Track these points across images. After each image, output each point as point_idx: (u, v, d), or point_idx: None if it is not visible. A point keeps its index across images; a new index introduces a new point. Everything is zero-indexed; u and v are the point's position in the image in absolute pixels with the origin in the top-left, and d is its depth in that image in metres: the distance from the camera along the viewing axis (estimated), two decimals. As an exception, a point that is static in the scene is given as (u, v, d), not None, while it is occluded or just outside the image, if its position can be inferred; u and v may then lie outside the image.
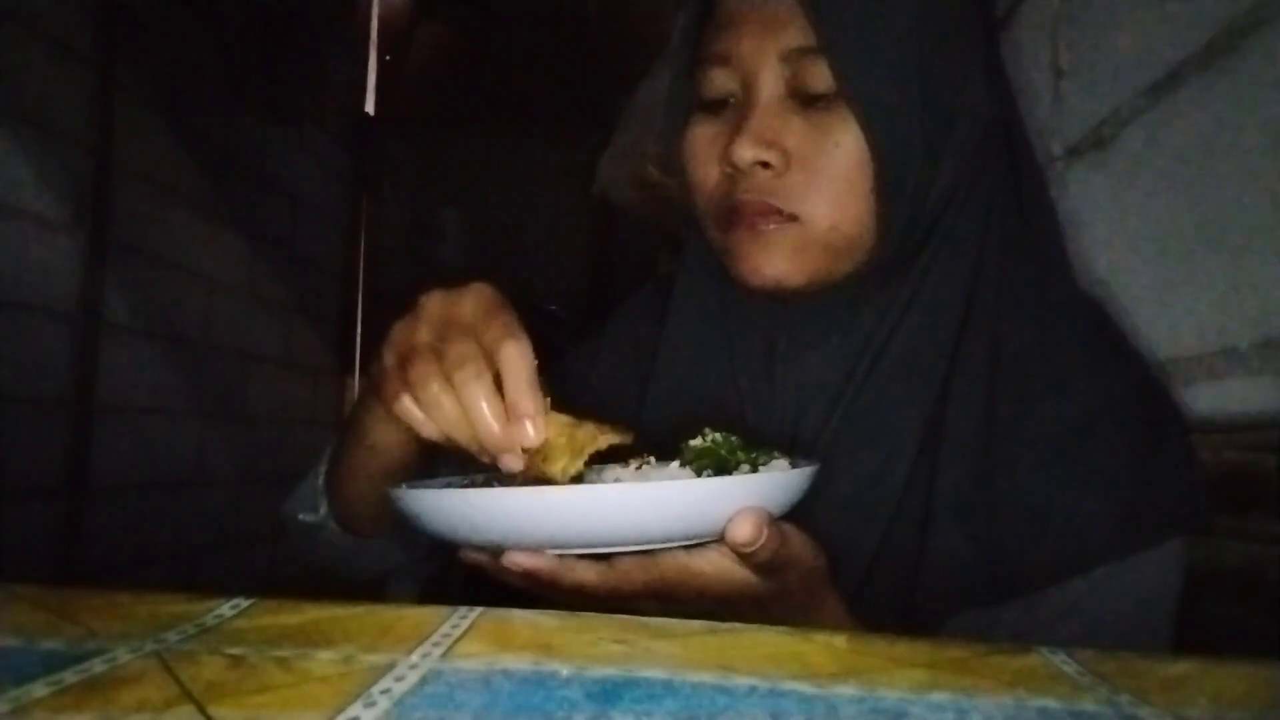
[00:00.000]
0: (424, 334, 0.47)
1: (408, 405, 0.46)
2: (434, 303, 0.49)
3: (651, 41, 2.02)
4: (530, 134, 2.70)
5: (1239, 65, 0.61)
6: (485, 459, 0.46)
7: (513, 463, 0.45)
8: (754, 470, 0.46)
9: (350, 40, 2.69)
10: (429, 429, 0.46)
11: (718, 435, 0.48)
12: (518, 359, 0.45)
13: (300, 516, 0.65)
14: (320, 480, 0.65)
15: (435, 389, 0.45)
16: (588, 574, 0.42)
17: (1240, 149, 0.61)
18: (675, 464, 0.47)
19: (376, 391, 0.50)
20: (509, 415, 0.44)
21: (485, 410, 0.44)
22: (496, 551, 0.42)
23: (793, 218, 0.56)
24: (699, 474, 0.45)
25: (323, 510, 0.64)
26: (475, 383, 0.44)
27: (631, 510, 0.40)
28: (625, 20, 2.60)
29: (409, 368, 0.46)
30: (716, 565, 0.43)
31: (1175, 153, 0.69)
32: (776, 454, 0.49)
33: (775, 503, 0.43)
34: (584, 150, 2.20)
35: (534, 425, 0.44)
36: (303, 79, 2.27)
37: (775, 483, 0.43)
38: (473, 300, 0.48)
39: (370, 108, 2.77)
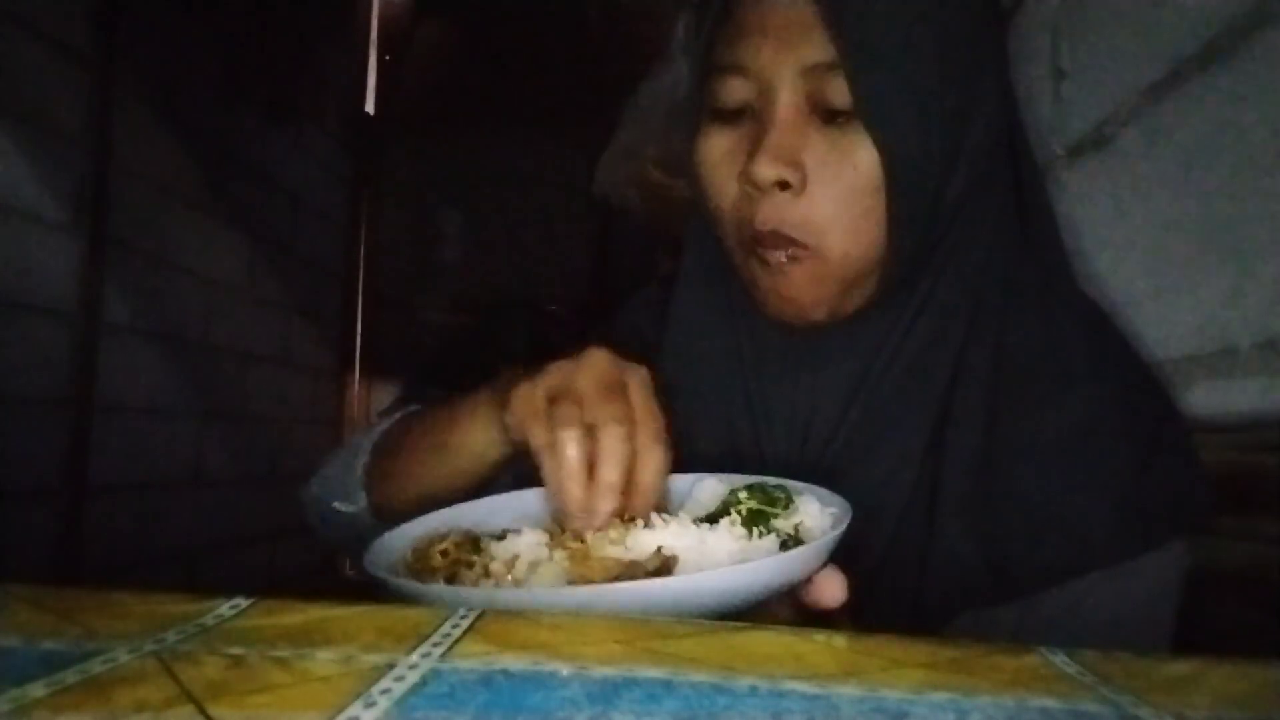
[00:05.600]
0: (581, 382, 0.49)
1: (556, 444, 0.47)
2: (600, 357, 0.50)
3: (651, 42, 2.02)
4: (530, 134, 2.70)
5: (1239, 65, 0.61)
6: (562, 514, 0.47)
7: (586, 525, 0.46)
8: (786, 509, 0.46)
9: (350, 40, 2.69)
10: (556, 468, 0.47)
11: (742, 492, 0.48)
12: (657, 465, 0.47)
13: (335, 504, 0.66)
14: (359, 472, 0.65)
15: (571, 434, 0.47)
16: None
17: (1240, 149, 0.61)
18: (725, 521, 0.46)
19: (515, 416, 0.51)
20: (627, 498, 0.47)
21: (614, 477, 0.46)
22: None
23: (806, 247, 0.55)
24: (749, 531, 0.45)
25: (361, 502, 0.65)
26: (619, 445, 0.46)
27: (725, 595, 0.39)
28: (625, 20, 2.60)
29: (557, 406, 0.48)
30: (778, 610, 0.43)
31: (1175, 153, 0.69)
32: (790, 484, 0.49)
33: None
34: (584, 150, 2.21)
35: (644, 519, 0.46)
36: (303, 79, 2.27)
37: (838, 537, 0.42)
38: (636, 381, 0.50)
39: (370, 108, 2.77)
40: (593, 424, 0.47)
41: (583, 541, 0.45)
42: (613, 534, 0.45)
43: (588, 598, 0.37)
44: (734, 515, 0.46)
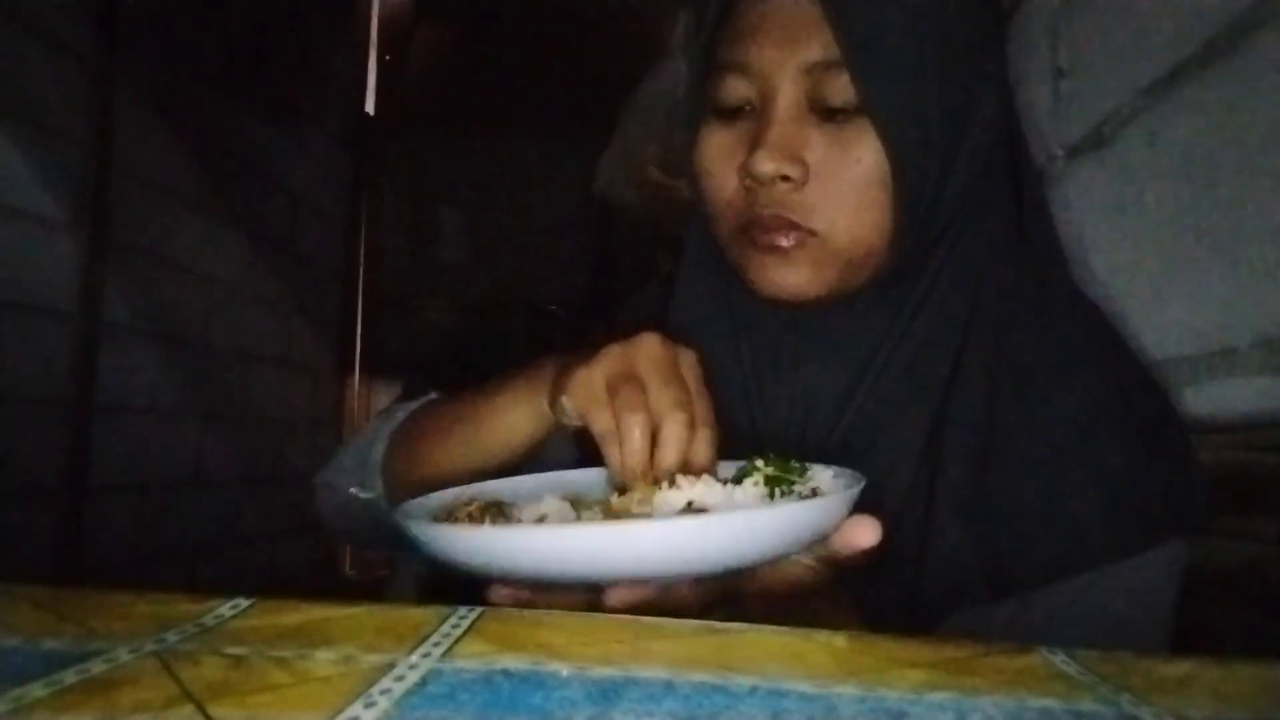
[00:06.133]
0: (641, 365, 0.50)
1: (622, 429, 0.48)
2: (654, 341, 0.51)
3: (651, 42, 2.02)
4: (530, 134, 2.70)
5: (1239, 65, 0.61)
6: (616, 485, 0.49)
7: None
8: (802, 477, 0.47)
9: (350, 40, 2.69)
10: (621, 452, 0.48)
11: (760, 461, 0.48)
12: (710, 448, 0.49)
13: (352, 490, 0.66)
14: (376, 459, 0.65)
15: (637, 419, 0.48)
16: (684, 593, 0.42)
17: (1240, 149, 0.61)
18: (747, 481, 0.46)
19: (575, 401, 0.52)
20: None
21: (673, 462, 0.47)
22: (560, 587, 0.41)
23: (812, 232, 0.56)
24: (771, 491, 0.46)
25: (377, 489, 0.65)
26: (682, 432, 0.48)
27: (759, 536, 0.39)
28: (625, 20, 2.60)
29: (619, 391, 0.49)
30: (807, 568, 0.44)
31: (1175, 153, 0.69)
32: (797, 460, 0.50)
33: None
34: (584, 150, 2.21)
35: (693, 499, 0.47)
36: (303, 79, 2.27)
37: (858, 492, 0.43)
38: (688, 365, 0.51)
39: (370, 108, 2.77)
40: (652, 407, 0.48)
41: (610, 504, 0.46)
42: (638, 496, 0.46)
43: (626, 533, 0.37)
44: (755, 477, 0.47)
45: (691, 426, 0.48)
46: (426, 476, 0.62)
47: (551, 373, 0.56)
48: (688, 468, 0.48)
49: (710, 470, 0.49)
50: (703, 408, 0.50)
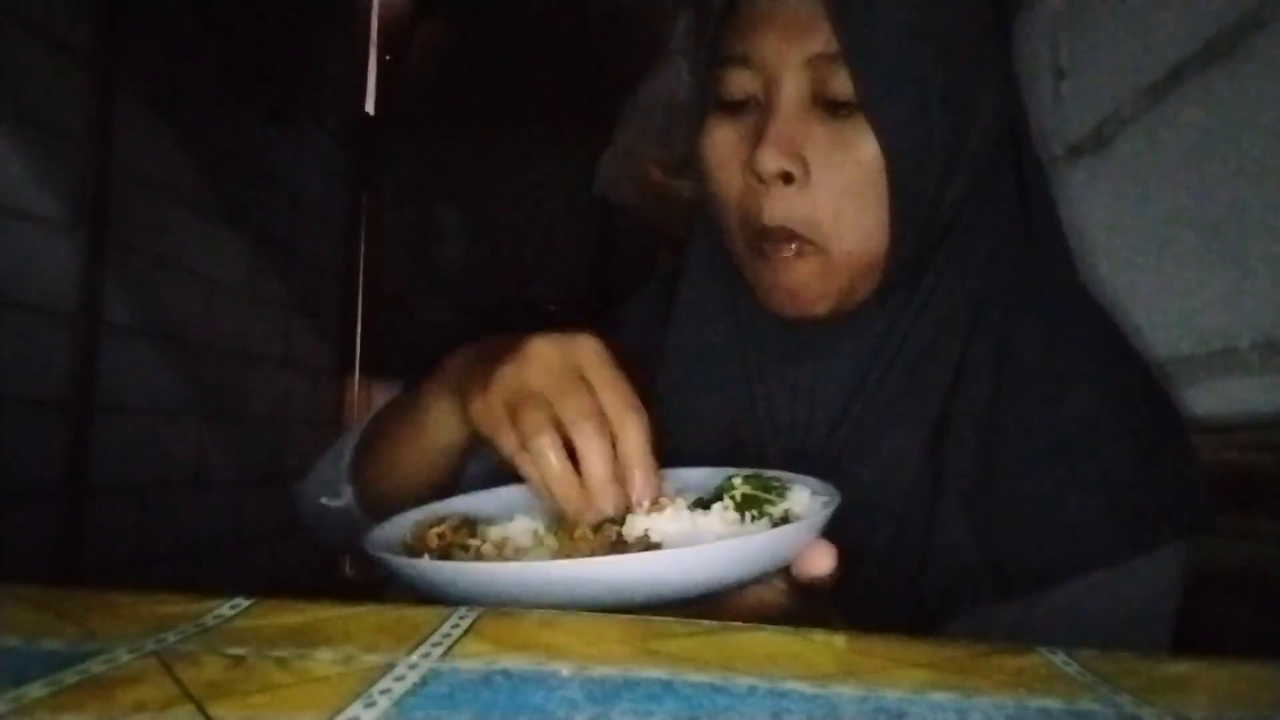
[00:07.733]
0: (535, 381, 0.47)
1: (533, 455, 0.46)
2: (545, 349, 0.48)
3: (651, 42, 2.02)
4: (530, 134, 2.70)
5: (1239, 65, 0.61)
6: (563, 507, 0.46)
7: (593, 520, 0.45)
8: (781, 497, 0.47)
9: (350, 40, 2.69)
10: (536, 479, 0.46)
11: (738, 479, 0.48)
12: (638, 433, 0.46)
13: (322, 500, 0.65)
14: (345, 465, 0.65)
15: (545, 441, 0.45)
16: None
17: (1240, 149, 0.61)
18: (717, 506, 0.46)
19: (482, 428, 0.50)
20: (624, 481, 0.45)
21: (601, 470, 0.45)
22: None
23: (814, 244, 0.56)
24: (741, 515, 0.45)
25: (347, 496, 0.65)
26: (596, 440, 0.45)
27: (712, 571, 0.40)
28: (625, 20, 2.60)
29: (520, 413, 0.46)
30: (775, 593, 0.43)
31: (1175, 153, 0.69)
32: (784, 475, 0.50)
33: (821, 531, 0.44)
34: (584, 150, 2.21)
35: (648, 497, 0.45)
36: (303, 79, 2.27)
37: (826, 517, 0.43)
38: (587, 354, 0.48)
39: (370, 108, 2.77)
40: (560, 419, 0.46)
41: (572, 533, 0.45)
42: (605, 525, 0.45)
43: (568, 570, 0.38)
44: (728, 500, 0.47)
45: (604, 430, 0.45)
46: (385, 478, 0.62)
47: (459, 374, 0.54)
48: (626, 463, 0.46)
49: (647, 461, 0.46)
50: (617, 399, 0.46)
